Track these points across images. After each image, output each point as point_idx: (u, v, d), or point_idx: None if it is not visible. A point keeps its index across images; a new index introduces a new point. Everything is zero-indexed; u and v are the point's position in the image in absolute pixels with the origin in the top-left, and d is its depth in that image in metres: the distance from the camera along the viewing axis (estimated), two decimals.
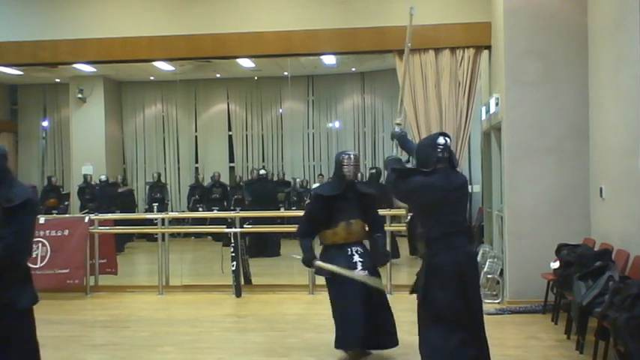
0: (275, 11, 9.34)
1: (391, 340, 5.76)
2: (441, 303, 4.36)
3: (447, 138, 4.52)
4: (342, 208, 5.83)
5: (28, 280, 4.29)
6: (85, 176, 15.46)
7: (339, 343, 5.75)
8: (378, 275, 5.90)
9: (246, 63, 13.66)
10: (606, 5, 7.06)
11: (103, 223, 9.92)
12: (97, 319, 7.95)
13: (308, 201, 6.04)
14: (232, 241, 9.03)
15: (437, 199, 4.40)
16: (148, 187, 16.53)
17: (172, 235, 11.68)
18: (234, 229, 9.11)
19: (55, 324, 7.50)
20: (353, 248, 5.82)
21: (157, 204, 14.36)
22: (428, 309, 4.46)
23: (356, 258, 5.77)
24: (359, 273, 5.66)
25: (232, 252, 8.96)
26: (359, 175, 6.19)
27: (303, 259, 5.95)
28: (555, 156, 7.89)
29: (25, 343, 4.20)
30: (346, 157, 5.91)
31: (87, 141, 16.43)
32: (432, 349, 4.45)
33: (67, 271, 9.00)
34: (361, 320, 5.57)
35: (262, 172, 14.17)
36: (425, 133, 8.75)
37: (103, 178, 14.98)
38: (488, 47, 8.91)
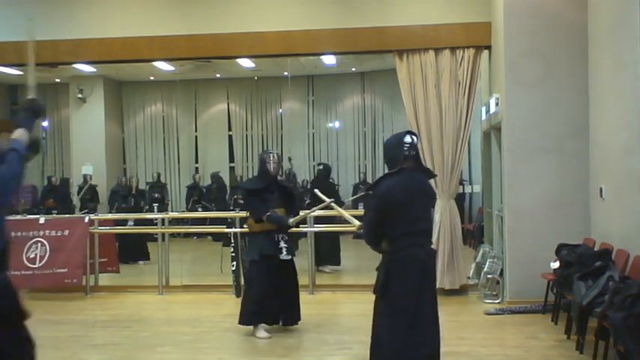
0: (275, 11, 9.33)
1: (297, 316, 6.93)
2: (402, 296, 4.43)
3: (413, 136, 4.59)
4: (268, 200, 6.79)
5: None
6: (84, 176, 15.45)
7: (248, 320, 6.73)
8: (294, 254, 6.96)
9: (246, 63, 13.66)
10: (606, 5, 7.06)
11: (103, 223, 9.94)
12: (97, 319, 7.95)
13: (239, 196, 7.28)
14: (232, 241, 9.03)
15: (402, 199, 4.45)
16: (148, 187, 16.52)
17: (172, 235, 11.68)
18: (234, 229, 9.11)
19: (55, 324, 7.51)
20: (279, 235, 6.77)
21: (157, 204, 14.35)
22: (388, 303, 4.52)
23: (282, 244, 6.77)
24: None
25: (232, 252, 8.97)
26: (280, 171, 7.20)
27: (283, 226, 6.73)
28: (555, 156, 7.89)
29: None
30: (269, 155, 6.88)
31: (87, 141, 16.43)
32: (389, 345, 4.50)
33: (65, 270, 9.01)
34: (281, 303, 6.75)
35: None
36: (425, 134, 8.75)
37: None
38: (489, 47, 8.90)
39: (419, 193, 4.56)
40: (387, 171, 4.65)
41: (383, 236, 4.54)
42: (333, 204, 6.41)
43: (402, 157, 4.51)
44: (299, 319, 6.97)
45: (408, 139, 4.55)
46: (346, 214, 5.82)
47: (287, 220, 6.72)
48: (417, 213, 4.50)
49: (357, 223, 5.25)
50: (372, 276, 4.79)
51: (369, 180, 16.58)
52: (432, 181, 8.62)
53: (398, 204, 4.44)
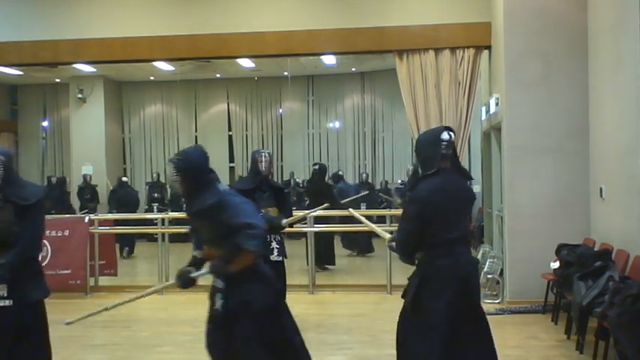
0: (275, 11, 9.34)
1: None
2: (437, 312, 3.86)
3: (451, 133, 4.04)
4: (260, 199, 6.52)
5: (40, 274, 4.67)
6: (84, 176, 15.45)
7: None
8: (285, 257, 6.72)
9: (246, 63, 13.66)
10: (606, 5, 7.06)
11: (102, 223, 9.93)
12: (97, 319, 7.89)
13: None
14: None
15: (444, 204, 3.93)
16: (147, 187, 16.54)
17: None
18: None
19: (54, 324, 7.48)
20: (271, 236, 6.55)
21: (156, 204, 14.36)
22: (421, 318, 3.94)
23: (273, 245, 6.58)
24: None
25: None
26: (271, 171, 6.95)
27: (275, 226, 6.41)
28: (555, 156, 7.89)
29: (38, 333, 4.61)
30: (261, 155, 6.67)
31: (87, 141, 16.42)
32: None
33: (68, 271, 9.01)
34: None
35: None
36: None
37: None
38: (489, 47, 8.91)
39: (460, 198, 4.06)
40: (420, 172, 4.10)
41: (420, 246, 3.99)
42: (355, 214, 5.97)
43: (439, 157, 3.96)
44: None
45: (445, 135, 3.99)
46: (373, 225, 5.27)
47: (279, 221, 6.50)
48: (457, 219, 4.02)
49: (386, 235, 4.52)
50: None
51: (370, 180, 16.54)
52: None
53: (440, 209, 3.92)
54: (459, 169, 4.16)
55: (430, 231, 3.93)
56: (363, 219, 5.58)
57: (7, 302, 4.38)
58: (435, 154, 3.98)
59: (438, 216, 3.92)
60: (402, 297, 4.13)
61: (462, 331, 3.91)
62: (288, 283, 6.89)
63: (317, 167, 12.02)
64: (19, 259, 4.34)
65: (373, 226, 5.22)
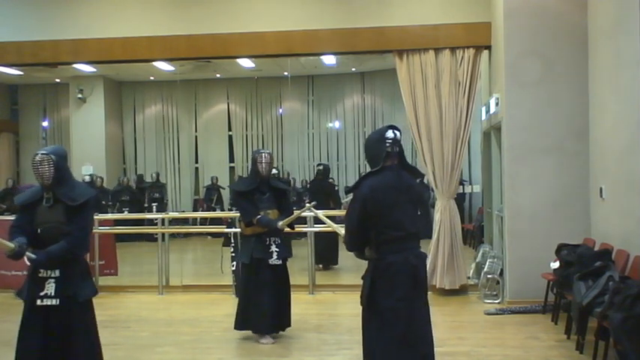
0: (275, 11, 9.34)
1: (287, 322, 6.66)
2: (390, 308, 4.01)
3: (396, 131, 4.19)
4: (259, 201, 6.54)
5: (88, 274, 4.69)
6: (84, 176, 15.46)
7: (244, 325, 6.56)
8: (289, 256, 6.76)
9: (246, 63, 13.66)
10: (606, 5, 7.06)
11: (102, 223, 9.93)
12: (97, 320, 7.94)
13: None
14: (232, 241, 9.04)
15: (387, 200, 4.06)
16: (147, 187, 16.55)
17: (172, 235, 11.69)
18: (234, 229, 9.11)
19: None
20: (271, 239, 6.51)
21: (156, 204, 14.38)
22: (376, 315, 4.06)
23: (273, 248, 6.49)
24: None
25: (232, 252, 8.97)
26: (272, 171, 6.86)
27: (272, 229, 6.45)
28: (555, 156, 7.89)
29: (87, 331, 4.59)
30: (261, 155, 6.58)
31: (87, 141, 16.44)
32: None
33: None
34: (271, 309, 6.43)
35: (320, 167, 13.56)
36: (425, 134, 8.76)
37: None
38: (489, 47, 8.91)
39: (406, 194, 4.13)
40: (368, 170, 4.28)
41: (366, 242, 4.15)
42: (316, 211, 6.02)
43: (384, 154, 4.12)
44: (289, 324, 6.69)
45: (390, 134, 4.14)
46: (329, 220, 5.35)
47: (276, 223, 6.43)
48: (404, 216, 4.08)
49: (342, 231, 4.60)
50: None
51: None
52: (431, 180, 8.67)
53: (382, 206, 4.04)
54: (407, 167, 4.27)
55: (376, 229, 4.05)
56: (322, 217, 5.72)
57: (55, 301, 4.39)
58: (380, 152, 4.14)
59: (381, 212, 4.04)
60: (361, 304, 4.21)
61: (414, 321, 4.05)
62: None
63: (321, 167, 12.07)
64: (62, 253, 4.37)
65: (332, 223, 5.32)
